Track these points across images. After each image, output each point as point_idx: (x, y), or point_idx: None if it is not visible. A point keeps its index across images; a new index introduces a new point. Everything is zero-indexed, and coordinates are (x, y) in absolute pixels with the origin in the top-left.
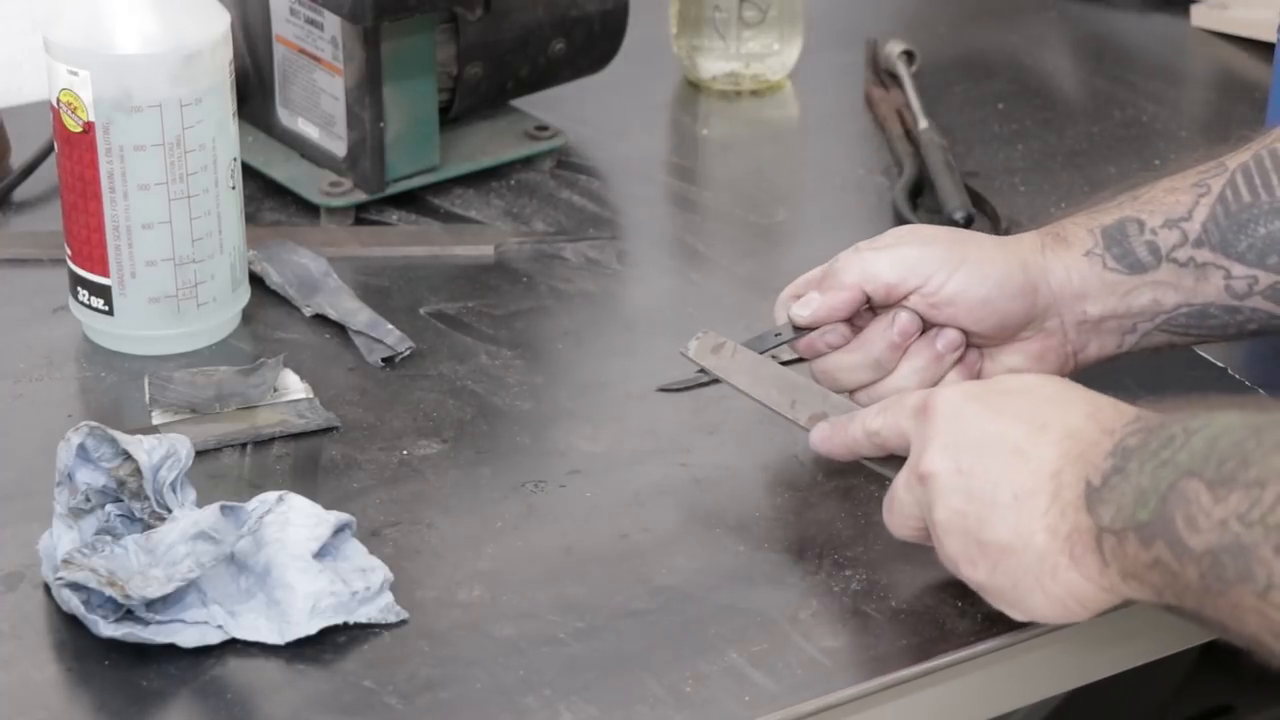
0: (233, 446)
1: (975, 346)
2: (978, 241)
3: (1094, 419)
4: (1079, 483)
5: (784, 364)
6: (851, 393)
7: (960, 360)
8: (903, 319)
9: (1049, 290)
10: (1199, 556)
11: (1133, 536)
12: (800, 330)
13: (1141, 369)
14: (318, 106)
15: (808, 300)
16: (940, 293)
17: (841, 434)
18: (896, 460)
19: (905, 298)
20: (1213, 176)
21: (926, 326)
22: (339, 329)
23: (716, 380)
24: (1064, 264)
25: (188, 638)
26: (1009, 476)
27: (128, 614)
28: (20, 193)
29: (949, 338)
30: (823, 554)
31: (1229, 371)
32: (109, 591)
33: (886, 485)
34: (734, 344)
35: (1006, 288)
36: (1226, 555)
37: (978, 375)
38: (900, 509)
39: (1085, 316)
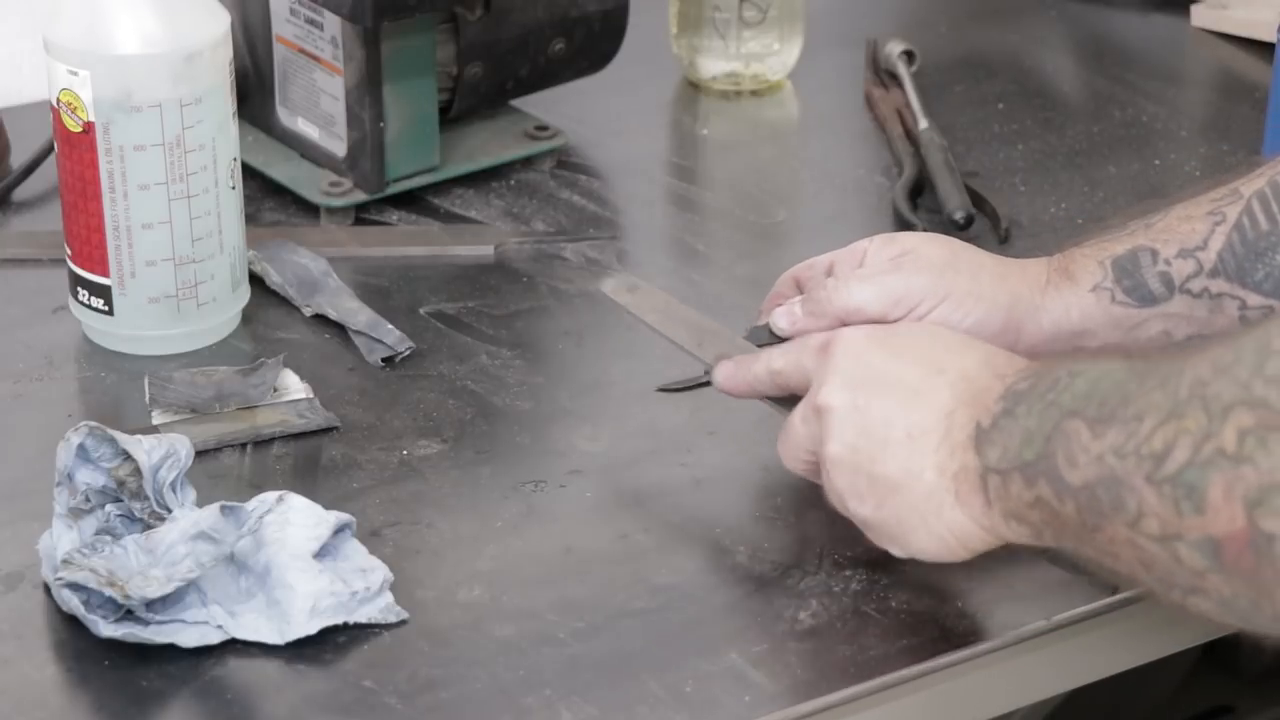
0: (233, 446)
1: None
2: (972, 270)
3: (988, 364)
4: (970, 424)
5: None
6: None
7: None
8: None
9: (1038, 329)
10: (1076, 491)
11: (1017, 476)
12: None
13: None
14: (318, 106)
15: (790, 313)
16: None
17: (745, 371)
18: (798, 400)
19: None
20: (1228, 204)
21: None
22: (339, 329)
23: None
24: (1064, 302)
25: (188, 638)
26: (903, 415)
27: (128, 614)
28: (20, 193)
29: None
30: (823, 554)
31: None
32: (109, 591)
33: None
34: (649, 286)
35: (986, 327)
36: (1101, 488)
37: None
38: (795, 441)
39: (1083, 350)
